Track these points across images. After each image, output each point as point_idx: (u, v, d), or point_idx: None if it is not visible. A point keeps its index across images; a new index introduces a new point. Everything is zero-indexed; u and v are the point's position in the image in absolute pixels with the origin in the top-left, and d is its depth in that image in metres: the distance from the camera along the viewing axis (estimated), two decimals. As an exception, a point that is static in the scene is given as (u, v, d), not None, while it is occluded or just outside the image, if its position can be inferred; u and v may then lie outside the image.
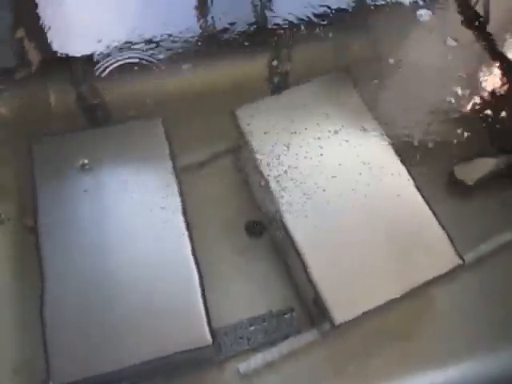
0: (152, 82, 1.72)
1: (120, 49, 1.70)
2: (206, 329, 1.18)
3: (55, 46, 1.70)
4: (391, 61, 1.74)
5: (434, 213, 1.34)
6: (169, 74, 1.73)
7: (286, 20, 1.81)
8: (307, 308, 1.37)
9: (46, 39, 1.73)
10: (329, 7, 1.83)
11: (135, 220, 1.33)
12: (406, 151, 1.43)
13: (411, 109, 1.64)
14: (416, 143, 1.59)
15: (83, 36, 1.73)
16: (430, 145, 1.60)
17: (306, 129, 1.45)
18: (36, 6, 1.78)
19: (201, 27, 1.82)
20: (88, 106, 1.58)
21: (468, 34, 1.84)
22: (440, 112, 1.67)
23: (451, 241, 1.30)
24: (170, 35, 1.76)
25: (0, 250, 1.45)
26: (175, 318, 1.21)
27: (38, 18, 1.76)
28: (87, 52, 1.69)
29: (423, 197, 1.35)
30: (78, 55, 1.69)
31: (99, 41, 1.71)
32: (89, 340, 1.18)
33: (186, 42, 1.76)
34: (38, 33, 1.74)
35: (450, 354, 1.36)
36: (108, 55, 1.69)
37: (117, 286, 1.24)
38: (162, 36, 1.75)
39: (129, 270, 1.26)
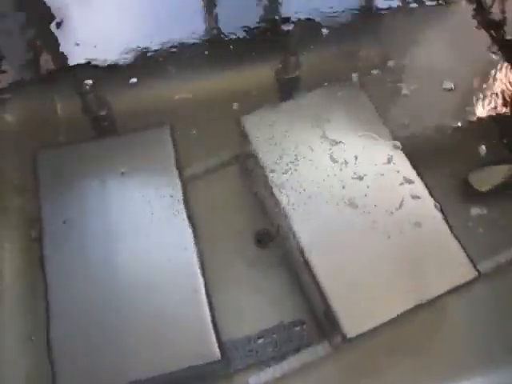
0: (158, 90, 1.70)
1: (126, 57, 1.70)
2: (215, 343, 1.16)
3: (63, 56, 1.71)
4: (402, 67, 1.71)
5: (447, 222, 1.30)
6: (175, 81, 1.73)
7: (295, 25, 1.79)
8: (318, 320, 1.34)
9: (54, 49, 1.73)
10: (339, 12, 1.80)
11: (141, 231, 1.31)
12: (418, 159, 1.39)
13: (423, 116, 1.61)
14: (429, 150, 1.55)
15: (90, 45, 1.72)
16: (444, 152, 1.58)
17: (315, 137, 1.41)
18: (42, 14, 1.78)
19: (207, 33, 1.80)
20: (94, 115, 1.55)
21: (482, 38, 1.80)
22: (453, 118, 1.64)
23: (466, 252, 1.27)
24: (176, 42, 1.75)
25: (5, 260, 1.45)
26: (183, 332, 1.18)
27: (45, 27, 1.76)
28: (94, 61, 1.69)
29: (437, 206, 1.32)
30: (84, 64, 1.68)
31: (105, 49, 1.71)
32: (94, 355, 1.17)
33: (192, 49, 1.75)
34: (45, 42, 1.74)
35: (463, 369, 1.33)
36: (114, 63, 1.69)
37: (122, 299, 1.22)
38: (167, 43, 1.74)
39: (134, 283, 1.24)
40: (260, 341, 1.32)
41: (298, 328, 1.34)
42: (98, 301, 1.22)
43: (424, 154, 1.49)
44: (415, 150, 1.43)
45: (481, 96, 1.68)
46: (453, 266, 1.25)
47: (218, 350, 1.16)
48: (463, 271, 1.25)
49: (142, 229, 1.31)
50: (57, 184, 1.37)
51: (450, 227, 1.29)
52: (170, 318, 1.20)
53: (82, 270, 1.25)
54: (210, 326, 1.19)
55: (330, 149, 1.40)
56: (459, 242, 1.27)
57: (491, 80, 1.71)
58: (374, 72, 1.66)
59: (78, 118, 1.56)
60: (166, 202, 1.35)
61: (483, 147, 1.60)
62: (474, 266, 1.25)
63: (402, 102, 1.62)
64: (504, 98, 1.67)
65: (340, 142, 1.41)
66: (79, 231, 1.30)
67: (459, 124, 1.63)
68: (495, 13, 1.80)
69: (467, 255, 1.26)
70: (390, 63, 1.72)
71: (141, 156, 1.42)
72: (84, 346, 1.17)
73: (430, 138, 1.58)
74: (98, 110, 1.53)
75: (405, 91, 1.66)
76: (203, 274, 1.25)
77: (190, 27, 1.79)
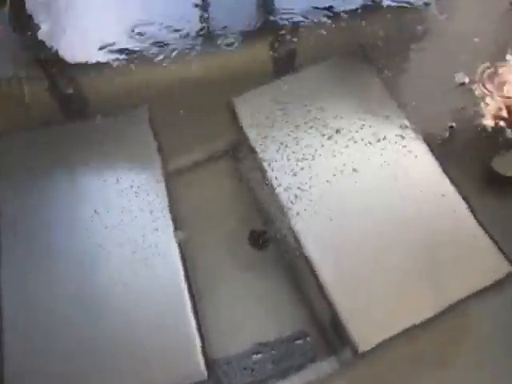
0: (140, 73, 1.58)
1: (108, 40, 1.59)
2: (201, 360, 1.09)
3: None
4: (415, 40, 1.59)
5: (473, 212, 1.21)
6: (159, 65, 1.59)
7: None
8: (324, 332, 1.24)
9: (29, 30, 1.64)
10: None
11: (115, 234, 1.21)
12: (436, 143, 1.32)
13: (440, 94, 1.49)
14: (447, 133, 1.43)
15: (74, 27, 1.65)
16: (464, 135, 1.46)
17: (315, 119, 1.33)
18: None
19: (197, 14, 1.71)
20: (66, 98, 1.46)
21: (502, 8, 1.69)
22: (473, 97, 1.52)
23: (497, 244, 1.17)
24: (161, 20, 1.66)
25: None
26: (163, 349, 1.11)
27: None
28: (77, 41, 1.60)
29: (461, 195, 1.23)
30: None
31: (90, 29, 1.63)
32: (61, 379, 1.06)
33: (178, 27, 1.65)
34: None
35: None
36: (96, 45, 1.58)
37: (92, 312, 1.12)
38: (152, 24, 1.65)
39: (106, 293, 1.14)
40: (257, 356, 1.22)
41: (300, 341, 1.24)
42: (62, 317, 1.11)
43: (442, 138, 1.40)
44: (432, 133, 1.35)
45: (504, 72, 1.55)
46: (482, 262, 1.17)
47: (204, 367, 1.08)
48: (495, 267, 1.16)
49: (117, 231, 1.21)
50: (17, 174, 1.28)
51: (477, 218, 1.21)
52: (148, 333, 1.12)
53: (45, 277, 1.15)
54: (196, 340, 1.11)
55: (335, 133, 1.32)
56: (488, 233, 1.19)
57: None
58: (385, 46, 1.55)
59: (47, 100, 1.46)
60: (146, 199, 1.26)
61: (509, 130, 1.49)
62: (509, 260, 1.16)
63: (417, 80, 1.52)
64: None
65: (344, 123, 1.33)
66: (43, 229, 1.21)
67: (481, 104, 1.51)
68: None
69: (499, 248, 1.17)
70: (404, 37, 1.61)
71: (117, 143, 1.33)
72: (45, 370, 1.06)
73: (448, 119, 1.46)
74: (67, 91, 1.44)
75: (420, 69, 1.55)
76: (188, 282, 1.18)
77: (177, 8, 1.72)
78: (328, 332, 1.22)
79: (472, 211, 1.21)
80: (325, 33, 1.60)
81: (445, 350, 1.23)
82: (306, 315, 1.28)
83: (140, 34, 1.63)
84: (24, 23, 1.66)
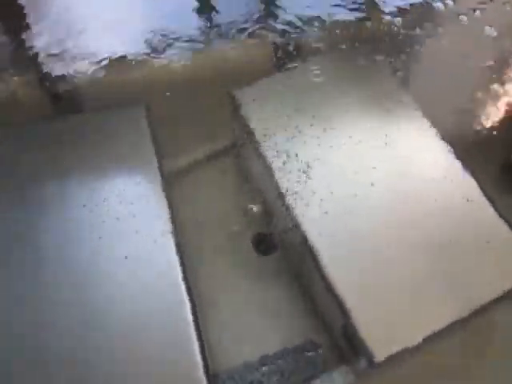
0: (138, 70, 1.54)
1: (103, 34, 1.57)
2: (202, 374, 1.01)
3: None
4: (432, 37, 1.58)
5: (497, 210, 1.15)
6: (157, 61, 1.56)
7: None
8: (335, 342, 1.20)
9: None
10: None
11: (110, 236, 1.14)
12: (454, 137, 1.25)
13: (457, 89, 1.48)
14: (465, 128, 1.43)
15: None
16: (482, 129, 1.44)
17: (320, 112, 1.28)
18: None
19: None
20: (60, 95, 1.43)
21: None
22: (491, 92, 1.51)
23: None
24: (162, 20, 1.62)
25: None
26: (163, 364, 1.02)
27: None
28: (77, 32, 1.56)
29: (482, 191, 1.17)
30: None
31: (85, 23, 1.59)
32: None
33: (179, 27, 1.61)
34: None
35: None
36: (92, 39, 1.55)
37: (90, 324, 1.05)
38: (151, 21, 1.62)
39: (103, 303, 1.07)
40: (262, 369, 1.18)
41: (309, 352, 1.21)
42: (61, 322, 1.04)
43: (460, 134, 1.37)
44: (448, 127, 1.30)
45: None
46: (507, 262, 1.10)
47: (205, 381, 1.00)
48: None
49: (112, 235, 1.14)
50: (6, 171, 1.22)
51: (502, 217, 1.14)
52: (147, 345, 1.05)
53: (36, 281, 1.08)
54: (197, 352, 1.04)
55: (343, 127, 1.27)
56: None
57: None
58: (392, 38, 1.54)
59: (39, 97, 1.43)
60: (143, 202, 1.19)
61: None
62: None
63: (432, 76, 1.49)
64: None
65: (352, 116, 1.28)
66: (32, 229, 1.14)
67: (498, 99, 1.50)
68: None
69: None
70: (412, 27, 1.58)
71: (110, 143, 1.26)
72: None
73: (466, 115, 1.46)
74: (64, 88, 1.41)
75: (436, 65, 1.52)
76: (189, 291, 1.10)
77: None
78: (340, 341, 1.16)
79: (496, 209, 1.15)
80: (330, 25, 1.58)
81: (467, 361, 1.22)
82: (315, 324, 1.23)
83: (139, 31, 1.59)
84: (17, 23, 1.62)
